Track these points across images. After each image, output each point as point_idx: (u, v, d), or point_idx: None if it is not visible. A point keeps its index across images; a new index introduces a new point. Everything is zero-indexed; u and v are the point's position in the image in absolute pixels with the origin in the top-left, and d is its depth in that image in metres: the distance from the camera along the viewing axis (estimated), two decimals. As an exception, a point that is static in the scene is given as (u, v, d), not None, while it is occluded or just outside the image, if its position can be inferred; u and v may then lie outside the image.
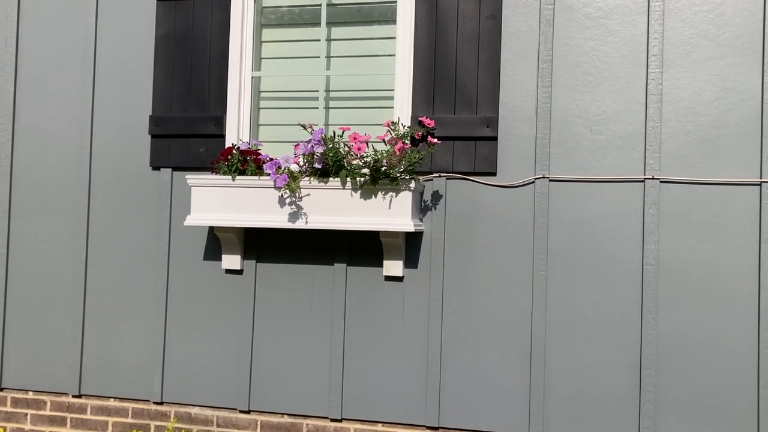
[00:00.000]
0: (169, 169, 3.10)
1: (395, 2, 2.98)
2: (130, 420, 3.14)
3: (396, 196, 2.65)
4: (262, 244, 3.02)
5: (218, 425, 3.04)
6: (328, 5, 3.10)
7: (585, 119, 2.72)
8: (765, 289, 2.53)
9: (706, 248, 2.60)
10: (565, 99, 2.74)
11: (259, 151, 2.86)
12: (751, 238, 2.56)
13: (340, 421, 2.92)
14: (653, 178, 2.63)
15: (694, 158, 2.62)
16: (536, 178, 2.74)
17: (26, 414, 3.26)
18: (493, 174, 2.79)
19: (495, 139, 2.77)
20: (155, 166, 3.12)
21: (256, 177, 2.76)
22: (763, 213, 2.54)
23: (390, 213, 2.65)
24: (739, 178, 2.57)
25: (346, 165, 2.68)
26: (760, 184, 2.55)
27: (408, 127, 2.78)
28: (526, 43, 2.78)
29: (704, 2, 2.63)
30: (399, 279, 2.87)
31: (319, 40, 3.10)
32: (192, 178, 2.83)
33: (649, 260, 2.63)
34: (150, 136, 3.12)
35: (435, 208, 2.84)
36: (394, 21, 3.00)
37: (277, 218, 2.74)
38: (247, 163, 2.80)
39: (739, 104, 2.59)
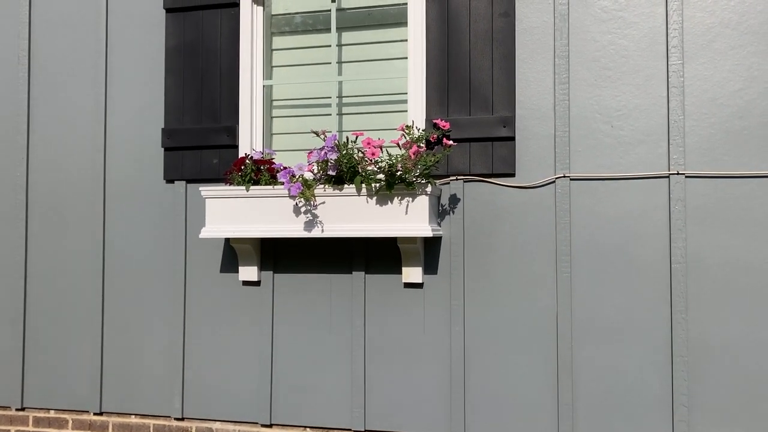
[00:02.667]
0: (183, 182, 3.07)
1: (405, 4, 2.93)
2: (151, 436, 3.11)
3: (412, 200, 2.59)
4: (279, 255, 2.97)
5: (240, 440, 3.00)
6: (338, 10, 3.05)
7: (605, 115, 2.64)
8: (800, 285, 2.44)
9: (738, 243, 2.50)
10: (583, 95, 2.67)
11: (273, 161, 2.82)
12: (783, 231, 2.46)
13: (363, 432, 2.86)
14: (678, 173, 2.55)
15: (720, 151, 2.53)
16: (557, 178, 2.67)
17: (48, 433, 3.24)
18: (512, 175, 2.72)
19: (512, 139, 2.71)
20: (169, 179, 3.10)
21: (271, 186, 2.71)
22: (795, 205, 2.45)
23: (407, 218, 2.59)
24: (767, 169, 2.48)
25: (360, 171, 2.63)
26: (790, 176, 2.46)
27: (422, 130, 2.73)
28: (541, 40, 2.71)
29: (724, -10, 2.55)
30: (419, 286, 2.81)
31: (329, 46, 3.06)
32: (206, 189, 2.79)
33: (677, 258, 2.54)
34: (163, 148, 3.10)
35: (453, 212, 2.78)
36: (405, 23, 2.95)
37: (292, 227, 2.69)
38: (261, 172, 2.76)
39: (764, 93, 2.50)
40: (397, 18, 2.99)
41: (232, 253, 3.02)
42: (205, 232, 2.79)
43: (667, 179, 2.57)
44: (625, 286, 2.60)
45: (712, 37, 2.56)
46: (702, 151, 2.54)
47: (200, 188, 2.86)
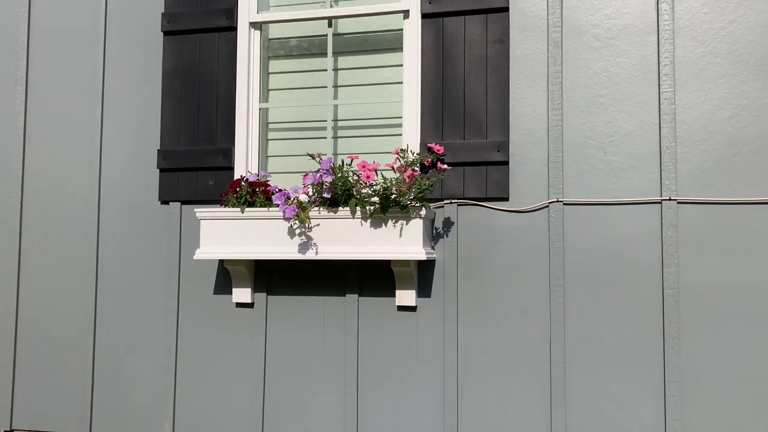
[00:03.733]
0: (178, 203, 3.08)
1: (401, 30, 2.97)
2: (141, 460, 3.07)
3: (407, 224, 2.60)
4: (273, 276, 2.97)
5: (231, 464, 2.97)
6: (335, 35, 3.09)
7: (598, 141, 2.67)
8: (791, 311, 2.45)
9: (729, 269, 2.52)
10: (576, 121, 2.69)
11: (268, 183, 2.83)
12: (774, 258, 2.48)
13: (355, 457, 2.84)
14: (670, 199, 2.57)
15: (712, 177, 2.55)
16: (550, 202, 2.69)
17: (36, 455, 3.21)
18: (506, 199, 2.74)
19: (506, 163, 2.73)
20: (164, 200, 3.10)
21: (266, 209, 2.72)
22: (785, 232, 2.47)
23: (401, 241, 2.60)
24: (758, 196, 2.51)
25: (355, 194, 2.64)
26: (781, 203, 2.48)
27: (417, 154, 2.75)
28: (535, 66, 2.75)
29: (715, 20, 2.59)
30: (412, 309, 2.81)
31: (326, 70, 3.09)
32: (201, 211, 2.80)
33: (669, 283, 2.55)
34: (158, 170, 3.11)
35: (447, 236, 2.79)
36: (400, 48, 2.99)
37: (287, 249, 2.70)
38: (256, 194, 2.77)
39: (755, 121, 2.53)
40: (392, 43, 3.03)
41: (225, 275, 3.02)
42: (200, 254, 2.79)
43: (659, 205, 2.59)
44: (618, 311, 2.61)
45: (703, 66, 2.60)
46: (693, 178, 2.57)
47: (195, 210, 2.86)
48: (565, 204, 2.68)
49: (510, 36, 2.77)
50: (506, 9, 2.76)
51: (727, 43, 2.58)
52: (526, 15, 2.76)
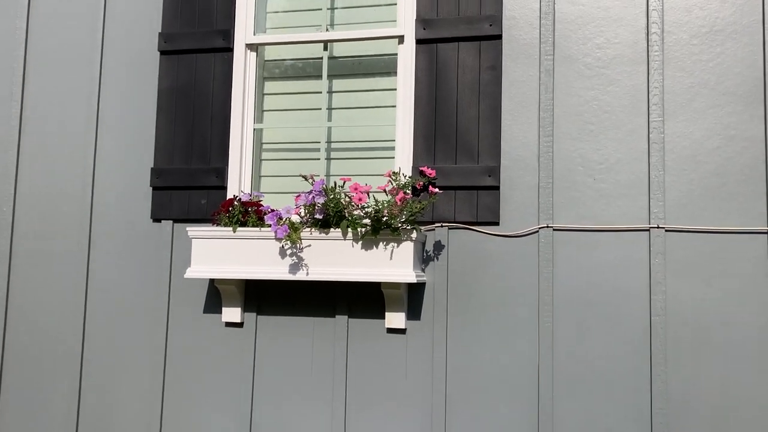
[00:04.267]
0: (170, 221, 3.09)
1: (395, 54, 3.01)
2: (126, 479, 3.05)
3: (397, 246, 2.62)
4: (263, 296, 2.97)
5: (216, 484, 2.95)
6: (330, 58, 3.13)
7: (588, 168, 2.70)
8: (777, 340, 2.47)
9: (715, 298, 2.54)
10: (567, 148, 2.73)
11: (261, 203, 2.85)
12: (760, 286, 2.51)
13: (342, 479, 2.82)
14: (658, 227, 2.60)
15: (699, 206, 2.59)
16: (540, 228, 2.71)
17: (20, 473, 3.17)
18: (496, 223, 2.76)
19: (497, 188, 2.76)
20: (156, 218, 3.11)
21: (257, 228, 2.73)
22: (771, 261, 2.50)
23: (391, 263, 2.62)
24: (745, 226, 2.54)
25: (347, 215, 2.66)
26: (767, 233, 2.51)
27: (409, 177, 2.77)
28: (527, 93, 2.79)
29: (703, 51, 2.64)
30: (401, 331, 2.81)
31: (320, 92, 3.12)
32: (193, 229, 2.81)
33: (656, 311, 2.57)
34: (151, 188, 3.12)
35: (437, 259, 2.80)
36: (394, 73, 3.02)
37: (278, 270, 2.71)
38: (249, 214, 2.79)
39: (741, 152, 2.57)
40: (386, 67, 3.07)
41: (215, 294, 3.02)
42: (191, 273, 2.79)
43: (647, 232, 2.62)
44: (605, 338, 2.62)
45: (691, 96, 2.64)
46: (681, 206, 2.60)
47: (187, 228, 2.87)
48: (554, 229, 2.71)
49: (503, 63, 2.81)
50: (499, 37, 2.80)
51: (715, 75, 2.63)
52: (518, 43, 2.81)
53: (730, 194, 2.57)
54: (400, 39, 2.94)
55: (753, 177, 2.55)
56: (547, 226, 2.71)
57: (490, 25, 2.80)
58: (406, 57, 2.91)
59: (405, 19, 2.92)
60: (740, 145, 2.58)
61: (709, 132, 2.61)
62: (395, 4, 3.02)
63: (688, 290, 2.57)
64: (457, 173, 2.78)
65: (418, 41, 2.88)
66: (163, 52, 3.15)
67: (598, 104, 2.72)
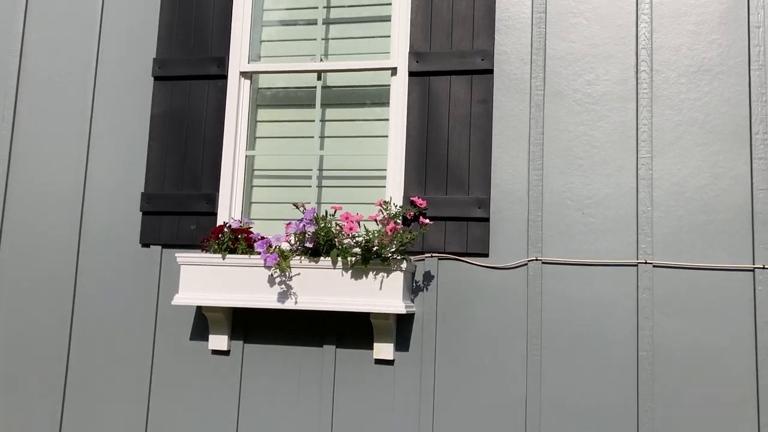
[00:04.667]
0: (159, 247, 3.07)
1: (389, 85, 3.04)
2: None
3: (387, 276, 2.62)
4: (250, 324, 2.96)
5: None
6: (323, 87, 3.15)
7: (577, 202, 2.73)
8: (762, 377, 2.48)
9: (702, 334, 2.56)
10: (556, 182, 2.76)
11: (251, 230, 2.84)
12: (746, 324, 2.53)
13: None
14: (646, 262, 2.62)
15: (687, 243, 2.61)
16: (529, 261, 2.73)
17: (-4, 501, 3.11)
18: (486, 255, 2.77)
19: (487, 220, 2.77)
20: (145, 243, 3.09)
21: (247, 256, 2.73)
22: (757, 299, 2.52)
23: (381, 294, 2.62)
24: (731, 263, 2.57)
25: (337, 244, 2.66)
26: (753, 270, 2.54)
27: (400, 207, 2.78)
28: (517, 127, 2.82)
29: (691, 90, 2.69)
30: (389, 362, 2.80)
31: (313, 121, 3.14)
32: (181, 256, 2.79)
33: (644, 346, 2.58)
34: (141, 212, 3.11)
35: (427, 289, 2.81)
36: (387, 103, 3.05)
37: (266, 298, 2.70)
38: (238, 241, 2.78)
39: (728, 190, 2.61)
40: (379, 98, 3.10)
41: (203, 321, 3.00)
42: (178, 299, 2.77)
43: (635, 267, 2.64)
44: (594, 372, 2.62)
45: (679, 134, 2.68)
46: (669, 242, 2.63)
47: (176, 254, 2.86)
48: (543, 263, 2.72)
49: (494, 97, 2.85)
50: (491, 71, 2.84)
51: (703, 114, 2.67)
52: (510, 77, 2.85)
53: (717, 231, 2.60)
54: (393, 71, 2.97)
55: (739, 215, 2.59)
56: (536, 259, 2.72)
57: (482, 60, 2.84)
58: (399, 88, 2.94)
59: (398, 52, 2.95)
60: (727, 183, 2.62)
61: (697, 169, 2.65)
62: (389, 37, 3.06)
63: (676, 326, 2.58)
64: (448, 204, 2.80)
65: (411, 73, 2.91)
66: (157, 78, 3.16)
67: (587, 139, 2.76)
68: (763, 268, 2.52)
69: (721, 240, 2.59)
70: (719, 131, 2.65)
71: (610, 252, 2.67)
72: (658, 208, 2.65)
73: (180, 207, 3.05)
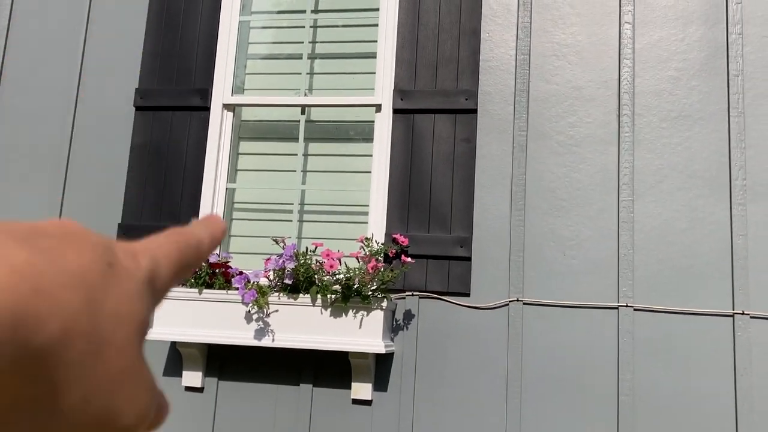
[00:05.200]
0: (134, 279, 3.01)
1: (372, 122, 3.04)
2: None
3: (367, 314, 2.58)
4: (226, 361, 2.89)
5: None
6: (307, 121, 3.14)
7: (558, 243, 2.73)
8: (741, 422, 2.47)
9: (682, 379, 2.55)
10: (538, 223, 2.75)
11: (229, 264, 2.80)
12: (726, 369, 2.52)
13: None
14: (627, 306, 2.61)
15: (668, 287, 2.61)
16: (510, 301, 2.71)
17: None
18: (467, 295, 2.75)
19: (469, 259, 2.76)
20: (120, 275, 3.02)
21: (224, 291, 2.68)
22: (737, 344, 2.52)
23: (360, 332, 2.57)
24: (712, 308, 2.57)
25: (317, 281, 2.62)
26: (732, 316, 2.54)
27: (381, 244, 2.76)
28: (500, 167, 2.82)
29: (672, 135, 2.72)
30: (367, 403, 2.75)
31: (296, 155, 3.12)
32: (157, 289, 2.73)
33: (624, 390, 2.56)
34: (117, 243, 3.04)
35: (407, 328, 2.77)
36: (370, 139, 3.05)
37: (243, 335, 2.64)
38: (216, 276, 2.73)
39: (709, 235, 2.62)
40: (363, 134, 3.09)
41: (176, 357, 2.93)
42: (153, 334, 2.70)
43: (616, 310, 2.63)
44: (574, 415, 2.59)
45: (660, 178, 2.70)
46: (650, 285, 2.63)
47: (151, 287, 2.79)
48: (524, 303, 2.70)
49: (477, 136, 2.86)
50: (475, 111, 2.85)
51: (683, 159, 2.70)
52: (493, 117, 2.86)
53: (698, 276, 2.60)
54: (378, 107, 2.97)
55: (719, 260, 2.60)
56: (518, 300, 2.70)
57: (466, 99, 2.85)
58: (383, 125, 2.94)
59: (383, 89, 2.96)
60: (707, 228, 2.63)
61: (678, 213, 2.66)
62: (374, 73, 3.06)
63: (656, 371, 2.57)
64: (430, 242, 2.78)
65: (395, 111, 2.92)
66: (138, 108, 3.13)
67: (569, 181, 2.76)
68: (743, 313, 2.52)
69: (702, 284, 2.59)
70: (699, 176, 2.67)
71: (591, 294, 2.66)
72: (640, 251, 2.66)
73: (157, 239, 2.99)
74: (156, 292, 0.25)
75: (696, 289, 2.59)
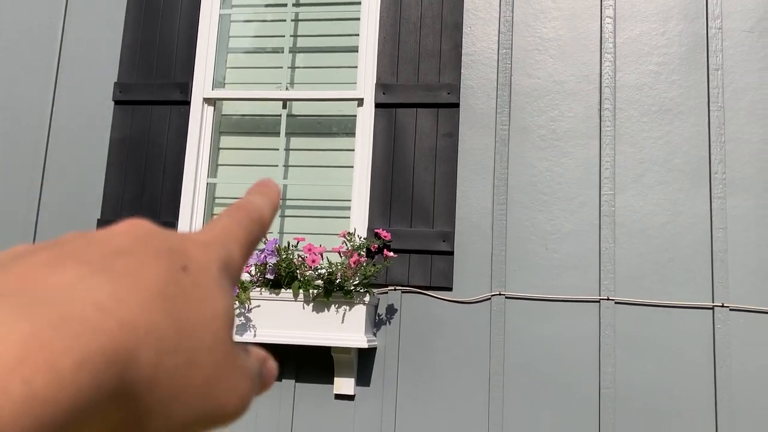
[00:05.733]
0: (114, 275, 2.98)
1: (355, 116, 3.02)
2: None
3: (349, 309, 2.57)
4: (208, 357, 2.87)
5: None
6: (288, 115, 3.12)
7: (540, 237, 2.73)
8: (721, 414, 2.49)
9: (663, 372, 2.56)
10: (520, 217, 2.76)
11: (210, 260, 2.77)
12: (705, 361, 2.54)
13: None
14: (608, 299, 2.63)
15: (649, 280, 2.63)
16: (492, 295, 2.71)
17: None
18: (449, 289, 2.75)
19: (451, 253, 2.75)
20: (99, 271, 2.99)
21: (205, 286, 2.65)
22: (716, 337, 2.54)
23: (343, 327, 2.57)
24: (692, 301, 2.59)
25: (299, 276, 2.61)
26: (712, 308, 2.56)
27: (364, 239, 2.75)
28: (482, 161, 2.82)
29: (653, 129, 2.73)
30: (350, 398, 2.74)
31: (277, 149, 3.10)
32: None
33: (605, 383, 2.57)
34: (96, 239, 3.01)
35: (389, 323, 2.76)
36: (353, 134, 3.03)
37: (224, 330, 2.62)
38: (197, 271, 2.71)
39: (689, 228, 2.64)
40: (345, 128, 3.07)
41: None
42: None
43: (597, 304, 2.64)
44: (556, 409, 2.60)
45: (641, 172, 2.71)
46: (631, 279, 2.64)
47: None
48: (507, 297, 2.71)
49: (459, 130, 2.85)
50: (457, 105, 2.85)
51: (664, 152, 2.71)
52: (475, 112, 2.86)
53: (678, 269, 2.62)
54: (360, 102, 2.96)
55: (699, 253, 2.61)
56: (500, 294, 2.71)
57: (448, 93, 2.85)
58: (365, 119, 2.92)
59: (365, 83, 2.95)
60: (687, 221, 2.65)
61: (658, 207, 2.68)
62: (356, 67, 3.05)
63: (637, 363, 2.58)
64: (412, 237, 2.78)
65: (378, 105, 2.90)
66: (117, 102, 3.09)
67: (551, 175, 2.77)
68: (722, 306, 2.54)
69: (682, 278, 2.61)
70: (680, 170, 2.69)
71: (573, 288, 2.67)
72: (621, 245, 2.67)
73: (137, 234, 2.96)
74: (232, 277, 0.26)
75: (676, 282, 2.61)
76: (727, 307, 2.54)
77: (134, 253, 0.22)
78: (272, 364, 0.28)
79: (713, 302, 2.56)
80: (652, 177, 2.70)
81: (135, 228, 0.24)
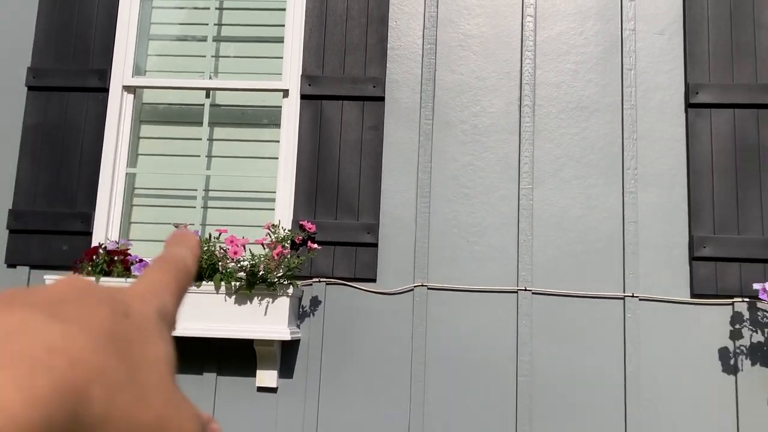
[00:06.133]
0: (27, 267, 2.87)
1: (280, 107, 3.00)
2: None
3: (273, 302, 2.56)
4: (126, 351, 2.80)
5: None
6: (212, 105, 3.07)
7: (462, 230, 2.79)
8: (630, 398, 2.61)
9: (577, 359, 2.66)
10: (443, 209, 2.81)
11: (128, 252, 2.71)
12: (618, 349, 2.66)
13: None
14: (526, 290, 2.71)
15: (564, 271, 2.72)
16: (415, 286, 2.75)
17: None
18: (373, 280, 2.77)
19: (376, 245, 2.78)
20: (11, 264, 2.88)
21: (123, 279, 2.59)
22: (627, 326, 2.66)
23: (266, 320, 2.55)
24: (604, 291, 2.70)
25: (221, 268, 2.58)
26: (623, 299, 2.68)
27: (288, 231, 2.74)
28: (407, 154, 2.86)
29: (570, 125, 2.83)
30: (273, 390, 2.73)
31: (200, 139, 3.04)
32: (51, 278, 2.62)
33: (523, 371, 2.66)
34: (8, 230, 2.89)
35: (313, 315, 2.77)
36: (278, 125, 3.01)
37: (143, 324, 2.56)
38: (114, 264, 2.64)
39: (602, 222, 2.75)
40: (270, 119, 3.05)
41: (73, 347, 2.81)
42: (45, 325, 2.58)
43: (515, 294, 2.72)
44: (476, 397, 2.67)
45: (558, 167, 2.80)
46: (547, 270, 2.73)
47: (45, 276, 2.67)
48: (429, 288, 2.75)
49: (384, 124, 2.87)
50: (382, 98, 2.87)
51: (580, 148, 2.81)
52: (400, 105, 2.89)
53: (592, 261, 2.72)
54: (285, 93, 2.94)
55: (611, 246, 2.73)
56: (422, 285, 2.75)
57: (374, 87, 2.86)
58: (291, 111, 2.91)
59: (290, 74, 2.93)
60: (601, 215, 2.76)
61: (574, 201, 2.77)
62: (281, 58, 3.03)
63: (553, 352, 2.67)
64: (337, 229, 2.78)
65: (303, 96, 2.89)
66: (31, 88, 2.97)
67: (473, 169, 2.83)
68: (632, 296, 2.66)
69: (596, 269, 2.72)
70: (594, 165, 2.79)
71: (493, 279, 2.74)
72: (538, 237, 2.76)
73: (52, 226, 2.86)
74: (168, 324, 0.28)
75: (590, 273, 2.71)
76: (637, 296, 2.66)
77: (78, 301, 0.23)
78: (216, 427, 0.30)
79: (624, 292, 2.68)
80: (568, 172, 2.79)
81: (75, 282, 0.25)
